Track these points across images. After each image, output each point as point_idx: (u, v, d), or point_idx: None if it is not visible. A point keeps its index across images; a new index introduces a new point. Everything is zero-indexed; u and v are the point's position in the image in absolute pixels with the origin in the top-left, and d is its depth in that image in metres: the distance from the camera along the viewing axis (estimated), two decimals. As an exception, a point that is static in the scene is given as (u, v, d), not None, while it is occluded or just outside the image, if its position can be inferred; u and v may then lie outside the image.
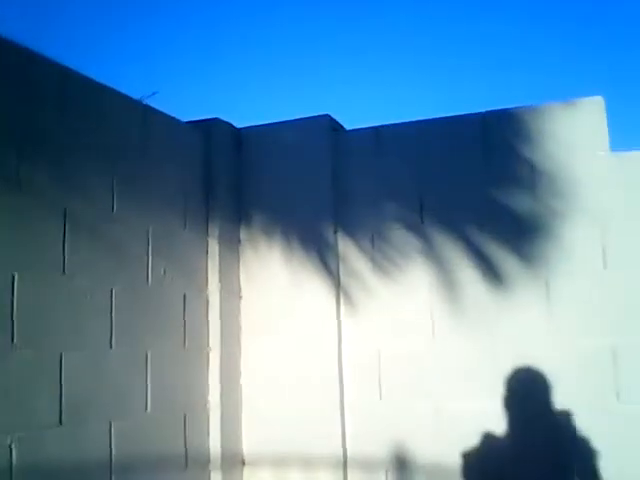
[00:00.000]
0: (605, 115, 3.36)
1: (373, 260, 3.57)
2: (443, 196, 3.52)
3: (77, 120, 2.91)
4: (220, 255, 3.61)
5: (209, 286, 3.59)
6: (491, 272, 3.37)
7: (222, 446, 3.46)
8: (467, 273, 3.40)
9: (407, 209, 3.56)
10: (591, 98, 3.39)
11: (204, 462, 3.44)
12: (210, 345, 3.54)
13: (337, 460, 3.42)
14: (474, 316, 3.36)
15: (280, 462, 3.48)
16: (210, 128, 3.78)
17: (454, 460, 3.24)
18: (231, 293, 3.67)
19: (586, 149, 3.34)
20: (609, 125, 3.36)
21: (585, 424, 3.09)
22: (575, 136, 3.37)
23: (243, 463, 3.58)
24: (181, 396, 3.36)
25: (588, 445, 3.05)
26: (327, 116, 3.81)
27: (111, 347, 2.95)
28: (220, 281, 3.59)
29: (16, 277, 2.54)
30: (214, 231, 3.64)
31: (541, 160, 3.39)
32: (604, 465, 3.02)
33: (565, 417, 3.13)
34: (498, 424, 3.21)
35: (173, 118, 3.59)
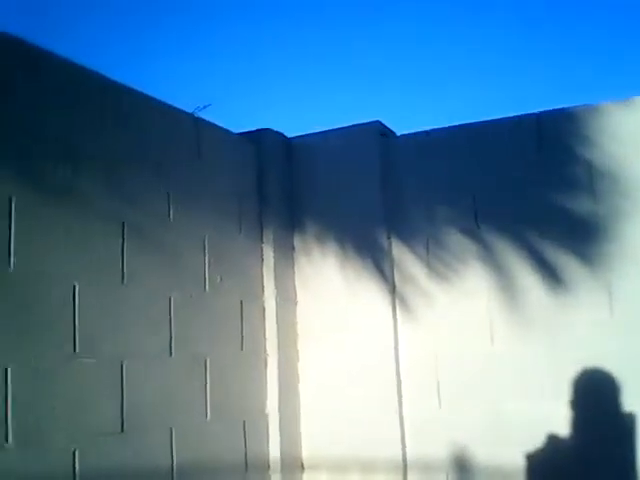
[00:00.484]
0: (666, 111, 3.28)
1: (428, 265, 3.55)
2: (498, 199, 3.47)
3: (132, 134, 2.98)
4: (275, 262, 3.65)
5: (265, 292, 3.62)
6: (550, 276, 3.31)
7: (281, 451, 3.48)
8: (526, 277, 3.35)
9: (461, 213, 3.53)
10: (651, 95, 3.31)
11: (264, 467, 3.46)
12: (267, 351, 3.57)
13: (396, 464, 3.40)
14: (534, 320, 3.30)
15: (339, 466, 3.47)
16: (261, 138, 3.83)
17: (514, 463, 3.19)
18: (287, 299, 3.69)
19: (646, 147, 3.26)
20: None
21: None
22: (635, 135, 3.29)
23: (302, 467, 3.59)
24: (240, 402, 3.38)
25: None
26: (377, 122, 3.81)
27: (171, 355, 2.99)
28: (276, 287, 3.62)
29: (77, 287, 2.60)
30: (268, 238, 3.68)
31: (600, 159, 3.33)
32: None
33: (631, 419, 3.06)
34: (562, 427, 3.16)
35: (224, 129, 3.65)
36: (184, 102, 3.36)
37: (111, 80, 2.94)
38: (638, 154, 3.26)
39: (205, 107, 3.86)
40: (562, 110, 3.46)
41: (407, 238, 3.62)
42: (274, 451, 3.47)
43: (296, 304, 3.74)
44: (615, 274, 3.20)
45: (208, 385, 3.17)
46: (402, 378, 3.50)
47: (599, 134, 3.35)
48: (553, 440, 3.16)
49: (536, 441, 3.18)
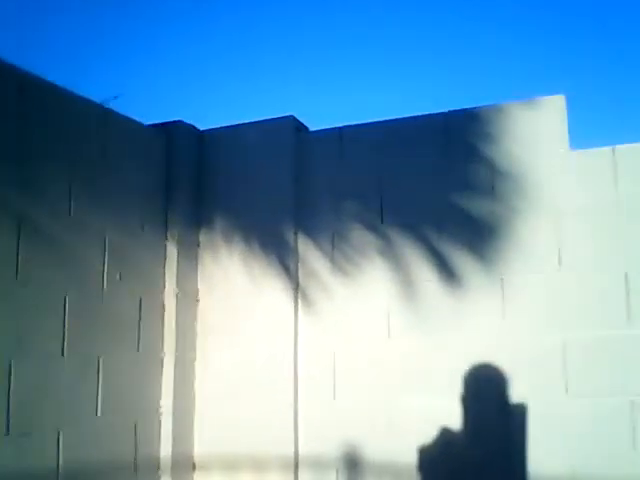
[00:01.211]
0: (566, 113, 3.33)
1: (332, 260, 3.56)
2: (403, 196, 3.50)
3: (34, 123, 2.92)
4: (178, 258, 3.60)
5: (165, 290, 3.58)
6: (448, 272, 3.35)
7: (173, 451, 3.45)
8: (424, 273, 3.39)
9: (368, 209, 3.54)
10: (552, 96, 3.37)
11: (154, 467, 3.43)
12: (165, 350, 3.53)
13: (288, 461, 3.41)
14: (430, 315, 3.35)
15: (231, 465, 3.46)
16: (172, 130, 3.77)
17: (406, 457, 3.23)
18: (188, 297, 3.66)
19: (546, 147, 3.32)
20: (569, 123, 3.33)
21: (537, 418, 3.11)
22: (536, 134, 3.35)
23: (194, 467, 3.57)
24: (132, 402, 3.34)
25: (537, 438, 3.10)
26: (291, 117, 3.79)
27: (62, 354, 2.95)
28: (177, 285, 3.58)
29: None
30: (173, 234, 3.63)
31: (502, 159, 3.37)
32: (554, 457, 3.06)
33: (522, 410, 3.14)
34: (454, 421, 3.22)
35: (134, 121, 3.58)
36: (95, 92, 3.30)
37: (13, 66, 2.86)
38: (536, 155, 3.32)
39: (115, 98, 3.80)
40: (468, 110, 3.50)
41: (314, 233, 3.62)
42: (165, 451, 3.44)
43: (197, 302, 3.71)
44: (508, 270, 3.26)
45: (100, 386, 3.13)
46: (299, 374, 3.50)
47: (501, 134, 3.40)
48: (445, 433, 3.21)
49: (429, 435, 3.23)
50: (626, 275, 3.07)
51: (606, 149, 3.24)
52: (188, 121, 3.87)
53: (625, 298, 3.06)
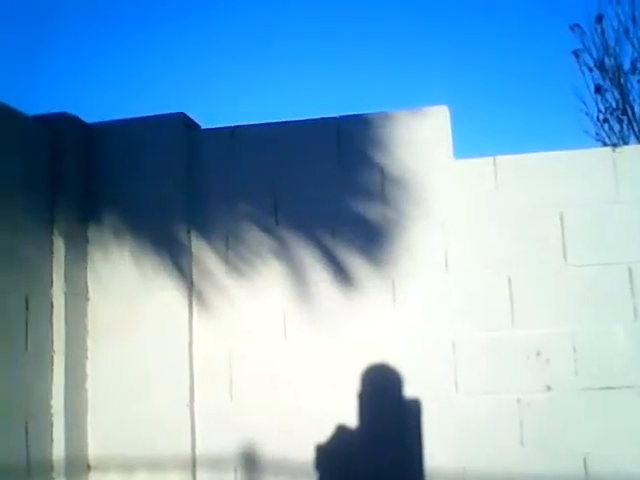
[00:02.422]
0: (449, 123, 3.53)
1: (227, 261, 3.57)
2: (297, 198, 3.56)
3: None
4: (66, 255, 3.46)
5: (53, 288, 3.44)
6: (342, 274, 3.46)
7: (66, 452, 3.33)
8: (318, 275, 3.47)
9: (262, 211, 3.58)
10: (436, 107, 3.55)
11: (48, 469, 3.30)
12: (54, 349, 3.40)
13: (186, 461, 3.39)
14: (325, 316, 3.44)
15: (127, 465, 3.40)
16: (57, 122, 3.61)
17: (303, 456, 3.31)
18: (77, 295, 3.53)
19: (432, 156, 3.50)
20: (454, 133, 3.53)
21: (429, 415, 3.27)
22: (422, 143, 3.52)
23: (89, 468, 3.48)
24: (23, 402, 3.20)
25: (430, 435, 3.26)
26: (181, 114, 3.75)
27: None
28: (65, 283, 3.44)
29: None
30: (60, 230, 3.48)
31: (391, 166, 3.52)
32: (446, 453, 3.23)
33: (413, 409, 3.29)
34: (349, 419, 3.33)
35: (14, 110, 3.40)
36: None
37: None
38: (423, 162, 3.49)
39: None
40: (360, 116, 3.61)
41: (207, 233, 3.61)
42: (58, 452, 3.32)
43: (87, 300, 3.60)
44: (399, 273, 3.41)
45: (-14, 387, 2.98)
46: (195, 375, 3.49)
47: (391, 141, 3.54)
48: (341, 431, 3.31)
49: (325, 433, 3.32)
50: (509, 278, 3.31)
51: (488, 159, 3.47)
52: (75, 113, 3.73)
53: (509, 300, 3.30)
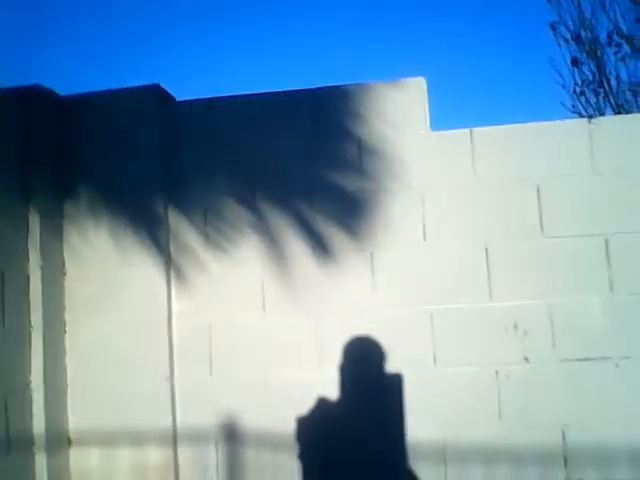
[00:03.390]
0: (427, 95, 3.52)
1: (206, 235, 3.55)
2: (275, 171, 3.54)
3: None
4: (41, 230, 3.42)
5: (30, 263, 3.41)
6: (320, 247, 3.45)
7: (46, 427, 3.33)
8: (297, 248, 3.47)
9: (240, 184, 3.55)
10: (414, 78, 3.53)
11: (29, 444, 3.30)
12: (32, 324, 3.38)
13: (166, 434, 3.40)
14: (304, 289, 3.44)
15: (108, 439, 3.40)
16: (29, 95, 3.54)
17: (284, 429, 3.33)
18: (54, 270, 3.50)
19: (409, 127, 3.48)
20: (431, 105, 3.52)
21: (409, 388, 3.31)
22: (400, 115, 3.50)
23: (70, 442, 3.48)
24: (1, 378, 3.19)
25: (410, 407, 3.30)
26: (156, 85, 3.69)
27: None
28: (41, 258, 3.41)
29: None
30: (35, 205, 3.44)
31: (369, 137, 3.50)
32: (425, 426, 3.27)
33: (393, 381, 3.32)
34: (330, 391, 3.34)
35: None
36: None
37: None
38: (401, 134, 3.47)
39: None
40: (336, 87, 3.57)
41: (185, 208, 3.58)
42: (38, 427, 3.32)
43: (64, 275, 3.57)
44: (377, 245, 3.42)
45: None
46: (175, 349, 3.49)
47: (369, 112, 3.52)
48: (322, 403, 3.33)
49: (306, 406, 3.34)
50: (486, 249, 3.33)
51: (464, 131, 3.46)
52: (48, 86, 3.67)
53: (486, 272, 3.32)
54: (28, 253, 3.42)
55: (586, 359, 3.24)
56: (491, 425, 3.26)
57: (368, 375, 3.38)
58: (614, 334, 3.23)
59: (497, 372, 3.28)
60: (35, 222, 3.44)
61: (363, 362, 3.39)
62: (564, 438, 3.22)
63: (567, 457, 3.21)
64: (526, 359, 3.28)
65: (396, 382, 3.33)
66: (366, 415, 3.34)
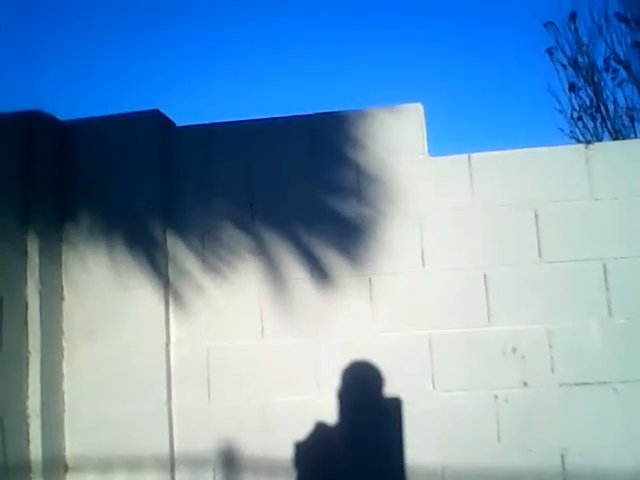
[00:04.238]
0: (424, 121, 3.54)
1: (204, 259, 3.56)
2: (273, 196, 3.56)
3: None
4: (40, 255, 3.43)
5: (28, 288, 3.41)
6: (319, 271, 3.46)
7: (43, 452, 3.31)
8: (295, 272, 3.47)
9: (238, 208, 3.57)
10: (411, 104, 3.56)
11: (26, 470, 3.27)
12: (30, 349, 3.37)
13: (164, 461, 3.38)
14: (302, 314, 3.44)
15: (105, 466, 3.38)
16: (30, 121, 3.58)
17: (282, 454, 3.31)
18: (52, 295, 3.50)
19: (407, 153, 3.51)
20: (429, 130, 3.55)
21: (408, 412, 3.30)
22: (398, 140, 3.53)
23: (66, 468, 3.45)
24: (-2, 403, 3.18)
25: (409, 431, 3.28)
26: (156, 111, 3.73)
27: None
28: (40, 282, 3.41)
29: None
30: (34, 230, 3.45)
31: (367, 163, 3.52)
32: (425, 450, 3.26)
33: (392, 406, 3.31)
34: (328, 417, 3.33)
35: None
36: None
37: None
38: (399, 160, 3.50)
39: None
40: (333, 113, 3.61)
41: (183, 232, 3.59)
42: (35, 453, 3.30)
43: (62, 299, 3.57)
44: (376, 270, 3.42)
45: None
46: (173, 374, 3.47)
47: (366, 138, 3.54)
48: (320, 428, 3.32)
49: (304, 432, 3.32)
50: (485, 274, 3.34)
51: (462, 156, 3.49)
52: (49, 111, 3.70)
53: (485, 296, 3.33)
54: (27, 278, 3.42)
55: (585, 383, 3.24)
56: (490, 449, 3.24)
57: (367, 400, 3.37)
58: (612, 358, 3.23)
59: (496, 396, 3.27)
60: (34, 247, 3.44)
61: (362, 387, 3.38)
62: (563, 462, 3.21)
63: (566, 481, 3.20)
64: (525, 383, 3.27)
65: (395, 406, 3.32)
66: (365, 440, 3.33)
